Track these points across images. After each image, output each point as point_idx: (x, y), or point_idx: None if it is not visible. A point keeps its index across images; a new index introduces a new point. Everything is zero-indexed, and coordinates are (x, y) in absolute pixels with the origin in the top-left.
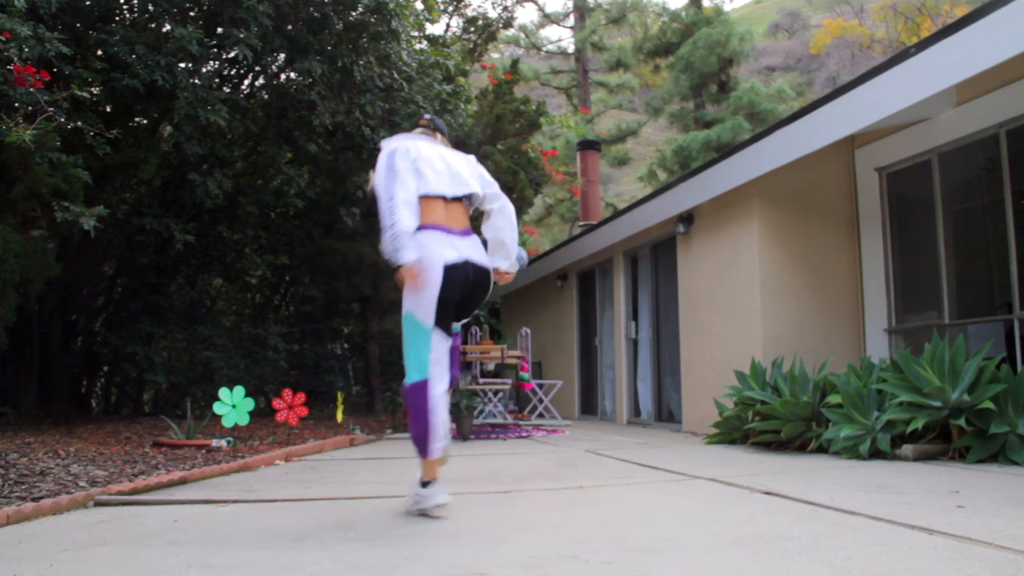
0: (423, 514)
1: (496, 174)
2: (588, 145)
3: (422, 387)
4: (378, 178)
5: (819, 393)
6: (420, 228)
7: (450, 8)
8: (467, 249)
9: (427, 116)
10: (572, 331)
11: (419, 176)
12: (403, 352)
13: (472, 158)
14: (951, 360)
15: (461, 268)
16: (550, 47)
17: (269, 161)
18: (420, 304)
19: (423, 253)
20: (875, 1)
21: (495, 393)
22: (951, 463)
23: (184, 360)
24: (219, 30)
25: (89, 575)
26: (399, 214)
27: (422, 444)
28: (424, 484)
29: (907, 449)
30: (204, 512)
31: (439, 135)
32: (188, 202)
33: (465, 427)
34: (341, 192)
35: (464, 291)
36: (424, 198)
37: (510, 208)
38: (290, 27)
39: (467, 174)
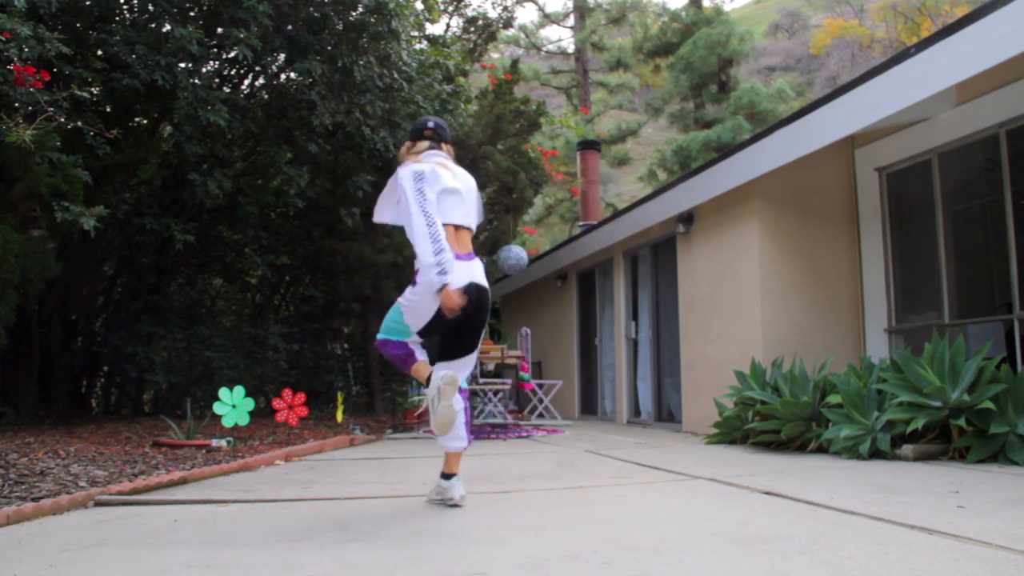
0: (444, 503)
1: (496, 174)
2: (588, 145)
3: (387, 343)
4: (410, 203)
5: (819, 393)
6: None
7: (450, 8)
8: (470, 274)
9: (431, 123)
10: (572, 331)
11: (440, 205)
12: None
13: (472, 180)
14: (951, 360)
15: (466, 291)
16: (550, 47)
17: (269, 161)
18: (410, 314)
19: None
20: (875, 1)
21: (495, 393)
22: (951, 463)
23: (184, 360)
24: (219, 30)
25: (89, 575)
26: (444, 240)
27: (406, 363)
28: (446, 476)
29: (907, 449)
30: (204, 512)
31: (443, 145)
32: (188, 202)
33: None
34: (341, 192)
35: (467, 311)
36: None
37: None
38: (290, 27)
39: (475, 206)
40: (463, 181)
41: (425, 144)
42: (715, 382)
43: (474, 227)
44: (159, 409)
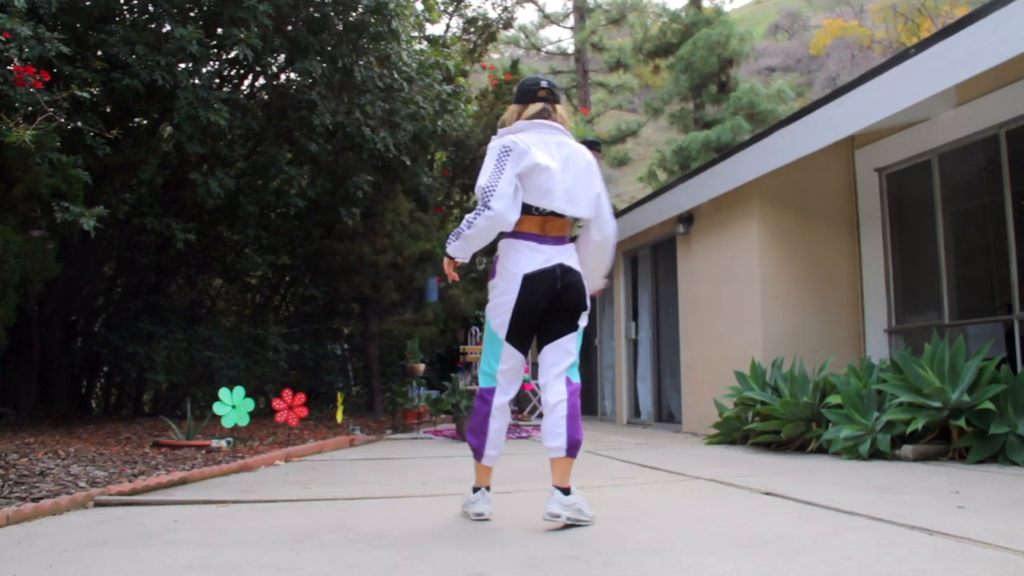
0: (467, 516)
1: None
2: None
3: (487, 394)
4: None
5: (819, 393)
6: (511, 236)
7: (450, 8)
8: (558, 255)
9: (544, 83)
10: None
11: (528, 188)
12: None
13: (593, 163)
14: (951, 361)
15: (548, 273)
16: (550, 47)
17: (270, 161)
18: (496, 314)
19: (507, 263)
20: (875, 1)
21: None
22: (951, 463)
23: (184, 360)
24: (219, 30)
25: (89, 575)
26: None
27: (477, 449)
28: (474, 489)
29: (907, 450)
30: (204, 512)
31: (557, 109)
32: (189, 202)
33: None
34: (341, 192)
35: (552, 295)
36: (528, 208)
37: (608, 245)
38: (290, 27)
39: (584, 195)
40: (569, 160)
41: (538, 106)
42: (715, 382)
43: (569, 212)
44: (159, 409)
